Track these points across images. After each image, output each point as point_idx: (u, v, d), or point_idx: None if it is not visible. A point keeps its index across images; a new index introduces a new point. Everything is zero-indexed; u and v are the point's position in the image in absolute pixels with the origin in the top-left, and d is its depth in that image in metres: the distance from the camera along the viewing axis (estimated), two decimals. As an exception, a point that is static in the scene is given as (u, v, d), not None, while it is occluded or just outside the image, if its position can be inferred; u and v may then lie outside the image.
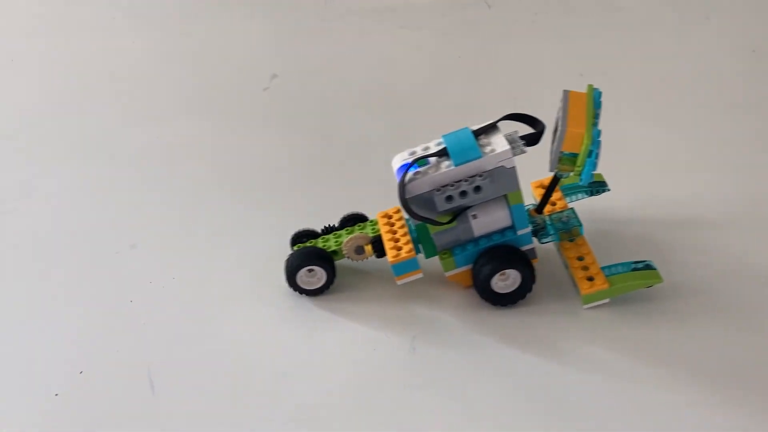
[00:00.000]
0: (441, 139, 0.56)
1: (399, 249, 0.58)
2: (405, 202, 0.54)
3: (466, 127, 0.55)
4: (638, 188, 0.72)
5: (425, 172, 0.54)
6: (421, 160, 0.55)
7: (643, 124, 0.82)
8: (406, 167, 0.54)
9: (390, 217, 0.61)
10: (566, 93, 0.56)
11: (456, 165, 0.54)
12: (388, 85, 0.89)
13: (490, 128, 0.56)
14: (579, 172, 0.54)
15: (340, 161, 0.77)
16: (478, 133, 0.55)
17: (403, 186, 0.53)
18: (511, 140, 0.55)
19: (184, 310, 0.60)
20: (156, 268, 0.64)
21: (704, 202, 0.71)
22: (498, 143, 0.54)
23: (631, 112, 0.84)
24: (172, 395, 0.54)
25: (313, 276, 0.60)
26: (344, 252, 0.60)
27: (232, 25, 1.02)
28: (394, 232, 0.59)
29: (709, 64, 0.93)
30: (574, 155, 0.54)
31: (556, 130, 0.56)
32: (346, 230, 0.62)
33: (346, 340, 0.57)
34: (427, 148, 0.56)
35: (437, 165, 0.54)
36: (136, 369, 0.55)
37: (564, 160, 0.55)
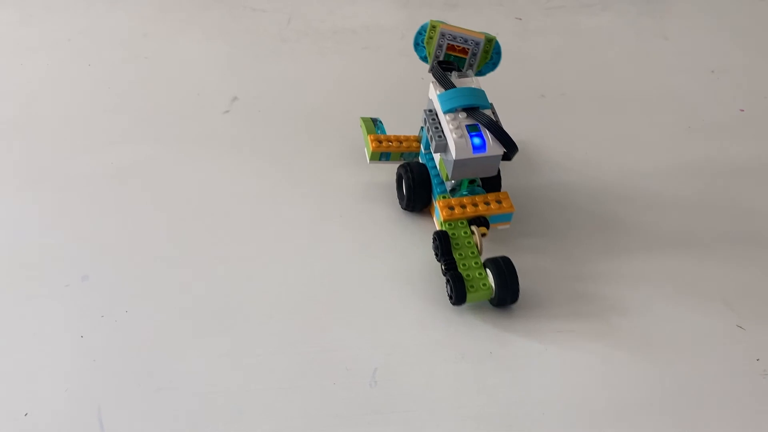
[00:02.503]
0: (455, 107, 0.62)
1: None
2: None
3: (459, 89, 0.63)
4: (599, 211, 0.72)
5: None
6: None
7: (603, 145, 0.82)
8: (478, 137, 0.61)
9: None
10: (436, 27, 0.65)
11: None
12: (350, 106, 0.88)
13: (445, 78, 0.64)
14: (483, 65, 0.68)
15: (303, 182, 0.75)
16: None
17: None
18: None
19: (138, 346, 0.58)
20: (108, 301, 0.61)
21: (663, 225, 0.71)
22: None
23: (590, 132, 0.84)
24: (123, 437, 0.51)
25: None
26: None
27: (191, 47, 1.00)
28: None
29: (668, 85, 0.94)
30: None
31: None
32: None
33: (316, 362, 0.56)
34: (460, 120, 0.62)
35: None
36: (86, 410, 0.53)
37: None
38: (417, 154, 0.73)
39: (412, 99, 0.89)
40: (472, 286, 0.58)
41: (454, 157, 0.60)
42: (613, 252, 0.67)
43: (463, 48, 0.66)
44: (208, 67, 0.96)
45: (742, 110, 0.88)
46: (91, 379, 0.55)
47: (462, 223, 0.63)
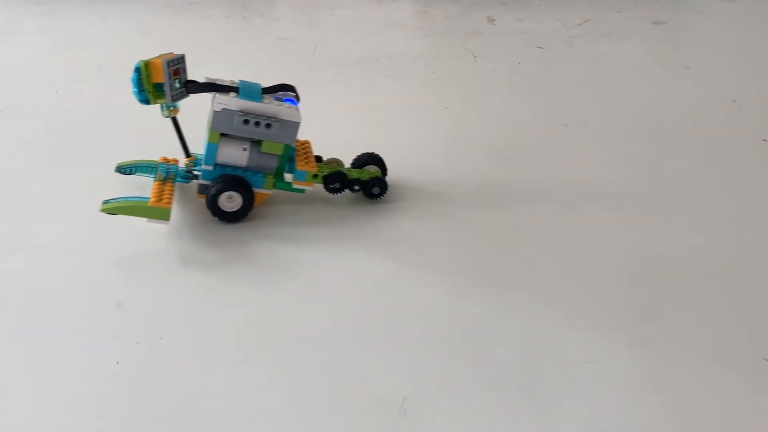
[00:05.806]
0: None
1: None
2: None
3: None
4: (619, 240, 0.72)
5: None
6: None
7: (626, 174, 0.83)
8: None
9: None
10: (149, 64, 0.70)
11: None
12: (373, 132, 0.90)
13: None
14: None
15: (331, 211, 0.77)
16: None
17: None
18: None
19: (173, 373, 0.59)
20: (143, 328, 0.63)
21: (678, 251, 0.71)
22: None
23: (612, 161, 0.85)
24: (159, 463, 0.52)
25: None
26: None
27: (219, 76, 1.02)
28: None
29: (690, 113, 0.95)
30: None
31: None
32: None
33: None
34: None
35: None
36: (122, 435, 0.54)
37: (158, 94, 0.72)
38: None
39: (438, 129, 0.91)
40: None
41: (299, 120, 0.72)
42: (639, 284, 0.68)
43: (177, 69, 0.73)
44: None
45: (765, 140, 0.89)
46: (128, 405, 0.56)
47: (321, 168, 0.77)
